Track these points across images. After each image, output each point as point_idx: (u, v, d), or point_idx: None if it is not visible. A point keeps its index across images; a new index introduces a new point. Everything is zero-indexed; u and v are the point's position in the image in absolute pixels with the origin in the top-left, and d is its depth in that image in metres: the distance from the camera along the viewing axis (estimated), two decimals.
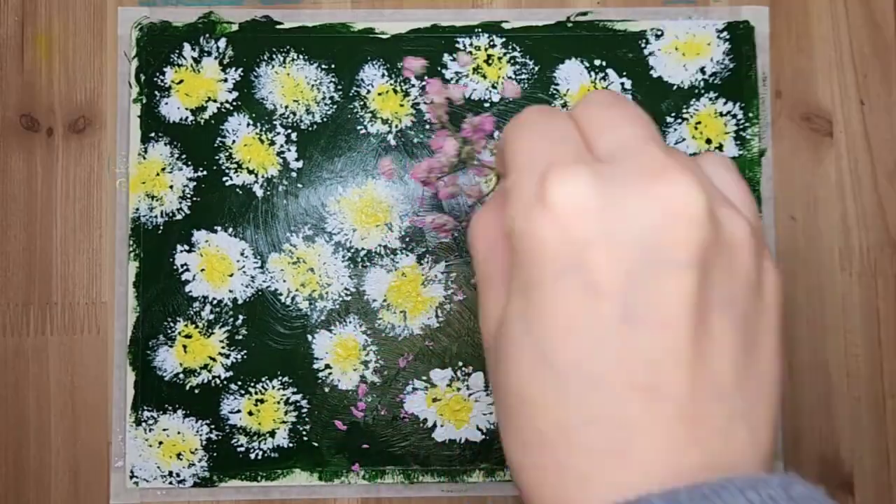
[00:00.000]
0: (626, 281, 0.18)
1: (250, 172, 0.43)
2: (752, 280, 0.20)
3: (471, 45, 0.43)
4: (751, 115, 0.44)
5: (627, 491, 0.18)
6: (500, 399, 0.21)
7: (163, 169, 0.43)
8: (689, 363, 0.18)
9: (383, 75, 0.43)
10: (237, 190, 0.43)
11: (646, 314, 0.18)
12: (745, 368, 0.19)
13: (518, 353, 0.20)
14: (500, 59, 0.43)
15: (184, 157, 0.43)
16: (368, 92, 0.43)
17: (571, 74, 0.43)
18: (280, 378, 0.42)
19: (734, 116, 0.43)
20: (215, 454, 0.42)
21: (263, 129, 0.43)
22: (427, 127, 0.43)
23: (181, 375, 0.42)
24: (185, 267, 0.42)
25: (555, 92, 0.43)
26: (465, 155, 0.37)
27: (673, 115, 0.43)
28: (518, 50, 0.43)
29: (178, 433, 0.42)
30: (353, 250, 0.43)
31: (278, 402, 0.42)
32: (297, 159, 0.43)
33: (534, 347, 0.19)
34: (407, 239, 0.43)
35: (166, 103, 0.43)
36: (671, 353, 0.18)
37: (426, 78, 0.38)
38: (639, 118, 0.21)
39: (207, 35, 0.43)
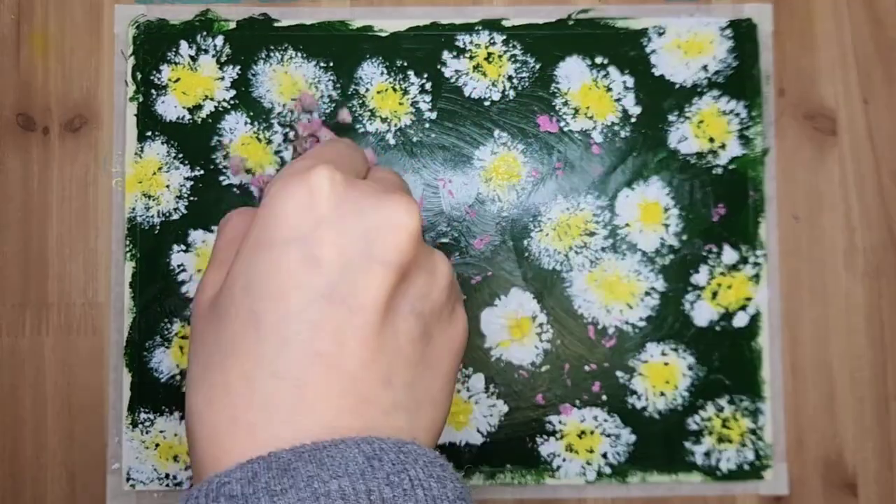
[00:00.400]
0: (340, 262, 0.21)
1: (248, 172, 0.42)
2: (443, 310, 0.24)
3: (471, 42, 0.43)
4: (754, 113, 0.43)
5: (285, 443, 0.20)
6: (204, 354, 0.23)
7: (159, 168, 0.42)
8: (370, 346, 0.21)
9: (382, 73, 0.43)
10: (234, 189, 0.42)
11: (348, 294, 0.21)
12: (417, 375, 0.23)
13: (235, 310, 0.22)
14: (500, 56, 0.43)
15: (180, 156, 0.42)
16: (367, 90, 0.43)
17: (572, 72, 0.43)
18: None
19: (737, 115, 0.43)
20: None
21: (261, 127, 0.42)
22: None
23: (178, 377, 0.42)
24: (181, 267, 0.42)
25: (556, 90, 0.43)
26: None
27: (675, 113, 0.43)
28: (519, 48, 0.43)
29: (175, 435, 0.42)
30: None
31: None
32: (294, 158, 0.42)
33: (249, 305, 0.22)
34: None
35: (163, 102, 0.43)
36: (357, 332, 0.21)
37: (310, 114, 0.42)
38: (402, 181, 0.27)
39: (204, 33, 0.43)
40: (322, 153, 0.25)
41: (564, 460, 0.42)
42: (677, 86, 0.43)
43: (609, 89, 0.43)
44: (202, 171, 0.42)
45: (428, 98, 0.43)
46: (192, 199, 0.42)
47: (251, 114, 0.43)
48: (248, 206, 0.28)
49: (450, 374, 0.24)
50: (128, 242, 0.42)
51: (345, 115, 0.42)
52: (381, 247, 0.22)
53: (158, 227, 0.42)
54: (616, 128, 0.43)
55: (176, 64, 0.43)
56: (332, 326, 0.21)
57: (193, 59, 0.43)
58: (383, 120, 0.43)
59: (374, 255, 0.22)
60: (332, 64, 0.43)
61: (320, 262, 0.21)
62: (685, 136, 0.43)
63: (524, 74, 0.43)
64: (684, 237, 0.43)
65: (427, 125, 0.43)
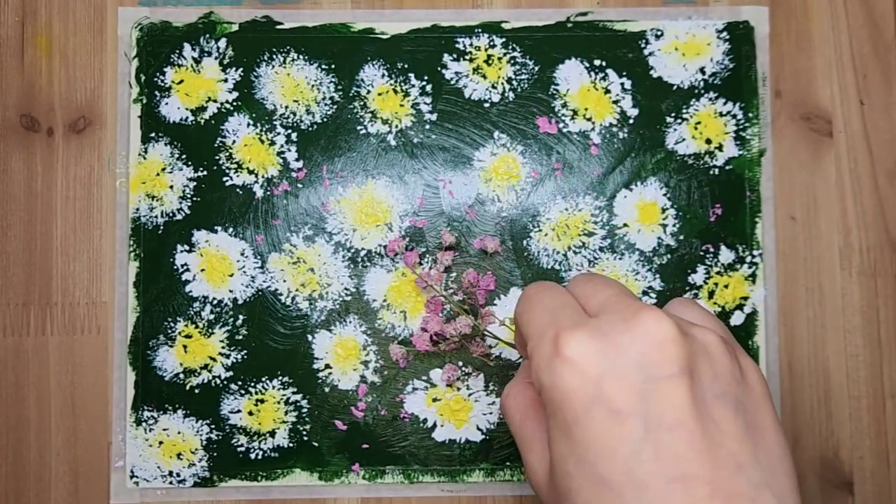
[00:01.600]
0: (637, 399, 0.23)
1: (250, 172, 0.43)
2: (735, 375, 0.25)
3: (471, 45, 0.43)
4: (750, 115, 0.44)
5: None
6: None
7: (163, 169, 0.43)
8: (706, 448, 0.23)
9: (383, 75, 0.43)
10: (237, 190, 0.43)
11: (661, 420, 0.23)
12: (753, 444, 0.24)
13: (577, 484, 0.24)
14: (499, 59, 0.43)
15: (184, 157, 0.43)
16: (368, 92, 0.43)
17: (571, 74, 0.43)
18: (280, 378, 0.42)
19: (734, 116, 0.43)
20: (215, 454, 0.42)
21: (263, 129, 0.43)
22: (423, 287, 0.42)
23: (181, 375, 0.42)
24: (185, 267, 0.42)
25: (555, 92, 0.43)
26: (475, 331, 0.40)
27: (673, 115, 0.43)
28: (518, 50, 0.43)
29: (179, 433, 0.42)
30: (353, 250, 0.43)
31: (278, 402, 0.42)
32: (297, 159, 0.43)
33: (589, 474, 0.24)
34: (407, 239, 0.43)
35: (166, 103, 0.43)
36: (689, 444, 0.23)
37: (405, 250, 0.42)
38: (611, 283, 0.28)
39: (207, 35, 0.43)
40: (553, 317, 0.26)
41: None
42: (675, 87, 0.44)
43: (607, 91, 0.43)
44: (205, 172, 0.43)
45: (428, 100, 0.43)
46: (195, 199, 0.43)
47: (254, 115, 0.43)
48: (514, 382, 0.30)
49: (775, 424, 0.25)
50: (131, 242, 0.43)
51: (448, 237, 0.42)
52: (658, 365, 0.23)
53: (162, 228, 0.43)
54: (614, 129, 0.43)
55: (179, 66, 0.43)
56: (667, 453, 0.23)
57: (197, 61, 0.43)
58: (384, 121, 0.43)
59: (659, 376, 0.23)
60: (333, 66, 0.43)
61: (622, 410, 0.23)
62: (682, 138, 0.43)
63: (523, 76, 0.43)
64: (682, 237, 0.43)
65: (427, 126, 0.43)
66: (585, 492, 0.24)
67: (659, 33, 0.44)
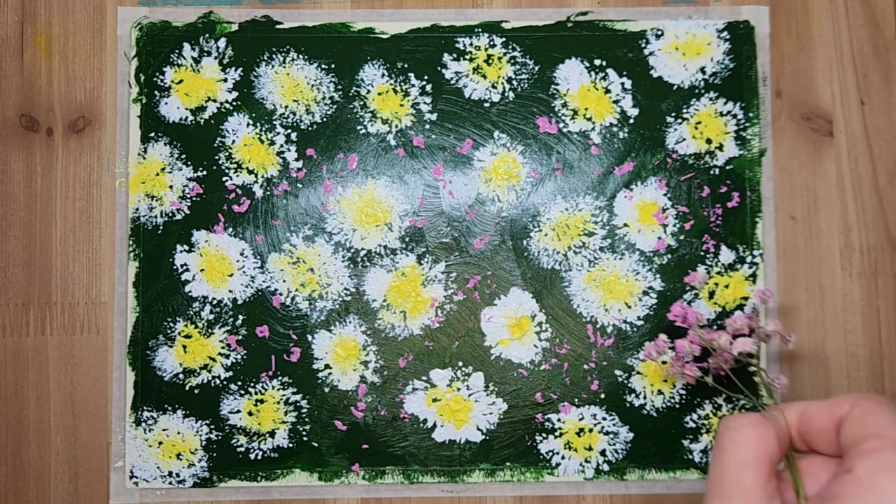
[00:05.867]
0: None
1: (250, 172, 0.43)
2: None
3: (471, 44, 0.43)
4: (751, 114, 0.44)
5: None
6: None
7: (162, 169, 0.43)
8: None
9: (383, 75, 0.43)
10: (237, 190, 0.43)
11: None
12: None
13: None
14: (500, 58, 0.43)
15: (183, 157, 0.43)
16: (368, 92, 0.43)
17: (571, 74, 0.43)
18: (280, 378, 0.42)
19: (734, 116, 0.43)
20: (215, 454, 0.42)
21: (263, 128, 0.43)
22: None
23: (181, 375, 0.42)
24: (184, 267, 0.42)
25: (555, 92, 0.43)
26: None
27: (673, 114, 0.43)
28: (518, 50, 0.43)
29: (178, 433, 0.42)
30: (352, 250, 0.43)
31: (278, 403, 0.42)
32: (296, 159, 0.43)
33: None
34: (407, 239, 0.43)
35: (166, 103, 0.43)
36: None
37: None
38: None
39: (207, 35, 0.43)
40: (889, 420, 0.28)
41: (563, 458, 0.42)
42: (675, 87, 0.44)
43: (608, 91, 0.43)
44: (205, 172, 0.43)
45: (428, 99, 0.43)
46: (194, 199, 0.43)
47: (253, 115, 0.43)
48: (758, 416, 0.30)
49: None
50: (131, 242, 0.42)
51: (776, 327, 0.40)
52: None
53: (161, 228, 0.43)
54: (614, 129, 0.43)
55: (179, 66, 0.43)
56: None
57: (196, 60, 0.43)
58: (384, 121, 0.43)
59: None
60: (333, 66, 0.43)
61: None
62: (683, 137, 0.43)
63: (523, 76, 0.43)
64: (682, 237, 0.43)
65: (427, 126, 0.43)
66: None
67: (659, 33, 0.44)
